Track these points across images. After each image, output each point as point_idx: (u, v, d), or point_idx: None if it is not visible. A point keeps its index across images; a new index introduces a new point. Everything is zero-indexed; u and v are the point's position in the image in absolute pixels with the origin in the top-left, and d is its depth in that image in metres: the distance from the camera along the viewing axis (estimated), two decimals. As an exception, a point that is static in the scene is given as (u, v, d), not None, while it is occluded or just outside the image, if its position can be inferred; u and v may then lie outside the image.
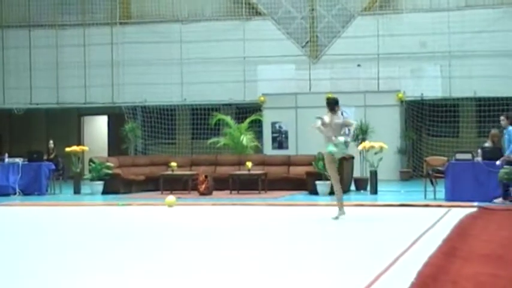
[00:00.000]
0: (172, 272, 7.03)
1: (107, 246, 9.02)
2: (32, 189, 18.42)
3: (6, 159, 18.91)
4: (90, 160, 19.28)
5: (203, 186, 17.67)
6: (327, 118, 11.99)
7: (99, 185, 18.49)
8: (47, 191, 18.73)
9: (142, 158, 22.27)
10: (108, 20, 26.04)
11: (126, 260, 7.82)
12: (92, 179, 18.62)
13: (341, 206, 11.87)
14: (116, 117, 26.04)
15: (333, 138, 11.81)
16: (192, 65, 25.23)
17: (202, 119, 25.10)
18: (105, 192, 18.33)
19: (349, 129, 12.20)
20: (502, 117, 15.32)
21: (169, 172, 18.61)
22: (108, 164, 18.97)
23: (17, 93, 26.20)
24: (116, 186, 18.48)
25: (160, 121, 25.52)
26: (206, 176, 17.84)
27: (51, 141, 22.84)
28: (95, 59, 25.88)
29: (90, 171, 18.90)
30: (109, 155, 24.32)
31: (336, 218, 11.65)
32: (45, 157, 20.33)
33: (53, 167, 19.15)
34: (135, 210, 14.41)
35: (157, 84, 25.22)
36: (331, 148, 11.81)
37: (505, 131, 15.10)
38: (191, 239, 9.65)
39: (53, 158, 21.36)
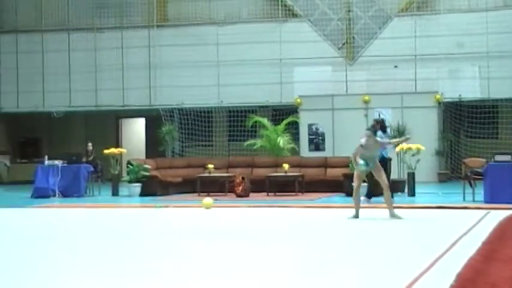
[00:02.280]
0: (210, 273, 7.06)
1: (145, 248, 9.09)
2: (71, 191, 18.61)
3: (46, 162, 19.13)
4: (128, 162, 19.44)
5: (240, 188, 17.70)
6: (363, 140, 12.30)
7: (136, 187, 18.63)
8: (85, 192, 18.91)
9: (180, 160, 22.39)
10: (145, 23, 26.23)
11: (164, 262, 7.88)
12: (130, 181, 18.76)
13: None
14: (153, 119, 26.21)
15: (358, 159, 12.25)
16: (228, 67, 25.31)
17: (238, 121, 25.16)
18: (142, 194, 18.46)
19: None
20: None
21: (206, 174, 18.68)
22: (146, 166, 19.10)
23: (56, 96, 26.51)
24: (153, 188, 18.59)
25: (197, 123, 25.63)
26: (243, 178, 17.87)
27: (89, 144, 23.07)
28: (133, 61, 26.09)
29: (128, 173, 19.05)
30: (146, 157, 24.49)
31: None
32: (84, 159, 20.54)
33: (92, 169, 19.35)
34: (172, 212, 14.49)
35: (194, 86, 25.33)
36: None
37: None
38: (228, 241, 9.68)
39: (92, 160, 21.56)
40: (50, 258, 8.35)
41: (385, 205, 12.44)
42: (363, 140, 12.29)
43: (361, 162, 12.25)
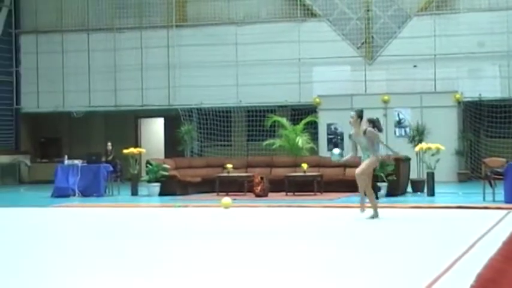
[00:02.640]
0: (227, 272, 7.07)
1: (164, 247, 9.11)
2: (90, 190, 18.69)
3: (66, 161, 19.25)
4: (147, 162, 19.50)
5: (259, 187, 17.70)
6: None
7: (155, 187, 18.69)
8: (105, 192, 18.99)
9: (199, 160, 22.43)
10: (164, 23, 26.31)
11: (182, 261, 7.89)
12: (149, 181, 18.82)
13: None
14: (172, 119, 26.27)
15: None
16: (247, 67, 25.33)
17: (257, 120, 25.15)
18: (161, 193, 18.52)
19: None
20: None
21: (225, 174, 18.70)
22: (165, 165, 19.15)
23: (76, 96, 26.66)
24: (172, 187, 18.64)
25: (216, 123, 25.67)
26: (262, 178, 17.87)
27: (109, 143, 23.16)
28: (152, 61, 26.17)
29: (147, 173, 19.11)
30: (165, 156, 24.55)
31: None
32: (103, 159, 20.64)
33: (111, 168, 19.43)
34: (192, 212, 14.53)
35: (212, 86, 25.37)
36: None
37: None
38: (246, 241, 9.68)
39: (111, 160, 21.64)
40: (69, 257, 8.39)
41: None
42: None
43: (335, 151, 12.21)
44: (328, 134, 24.12)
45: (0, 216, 14.51)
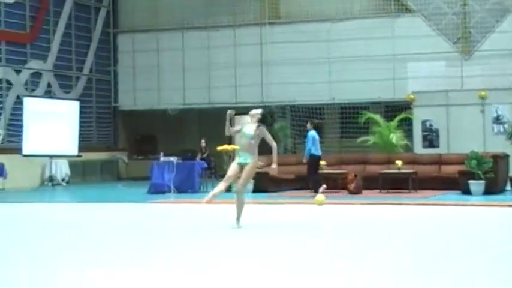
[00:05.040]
0: (323, 270, 7.06)
1: (254, 243, 9.17)
2: (185, 187, 18.99)
3: (162, 158, 19.63)
4: (241, 159, 19.58)
5: (352, 185, 17.62)
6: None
7: (249, 184, 18.76)
8: (199, 188, 19.25)
9: (292, 157, 22.43)
10: (257, 21, 26.45)
11: (277, 256, 7.93)
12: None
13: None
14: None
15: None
16: (340, 64, 25.18)
17: (350, 117, 24.99)
18: (255, 190, 18.62)
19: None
20: None
21: (318, 171, 18.63)
22: (258, 162, 19.21)
23: (171, 94, 27.13)
24: (265, 184, 18.72)
25: (308, 120, 25.53)
26: (355, 175, 17.77)
27: (203, 140, 23.43)
28: (245, 59, 26.35)
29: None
30: (259, 153, 24.61)
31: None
32: (198, 156, 20.94)
33: (206, 165, 19.69)
34: (285, 209, 14.57)
35: (305, 83, 25.35)
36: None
37: None
38: (340, 238, 9.65)
39: (206, 157, 21.91)
40: (166, 251, 8.56)
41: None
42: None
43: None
44: (423, 131, 23.70)
45: (100, 211, 14.95)
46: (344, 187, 17.83)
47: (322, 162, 18.72)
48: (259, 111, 11.42)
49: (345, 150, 24.73)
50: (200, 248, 8.88)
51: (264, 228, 11.05)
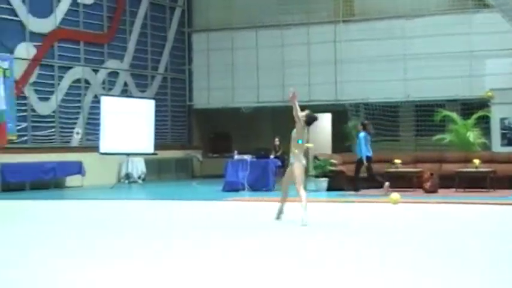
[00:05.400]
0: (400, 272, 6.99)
1: (324, 242, 9.14)
2: (259, 185, 19.06)
3: (236, 156, 19.75)
4: (315, 157, 19.61)
5: (428, 183, 17.39)
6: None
7: (323, 182, 18.78)
8: (273, 186, 19.27)
9: (366, 155, 22.26)
10: (331, 19, 26.32)
11: (351, 258, 7.89)
12: (317, 176, 18.93)
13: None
14: (339, 114, 26.26)
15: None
16: (415, 61, 24.84)
17: (426, 115, 24.62)
18: (329, 189, 18.58)
19: None
20: None
21: (393, 169, 18.49)
22: (332, 161, 19.20)
23: (244, 93, 27.25)
24: (340, 183, 18.66)
25: (383, 118, 25.37)
26: (431, 174, 17.53)
27: (276, 139, 23.47)
28: (318, 57, 26.26)
29: (314, 168, 19.22)
30: (333, 152, 24.58)
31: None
32: (271, 154, 20.99)
33: (279, 163, 19.71)
34: (359, 207, 14.48)
35: (379, 81, 25.10)
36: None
37: None
38: (417, 238, 9.53)
39: (279, 155, 21.94)
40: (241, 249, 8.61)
41: None
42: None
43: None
44: (501, 129, 23.17)
45: (176, 208, 15.14)
46: (420, 186, 17.62)
47: (397, 161, 18.59)
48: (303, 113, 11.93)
49: (420, 149, 24.40)
50: (258, 246, 8.91)
51: (332, 227, 11.00)
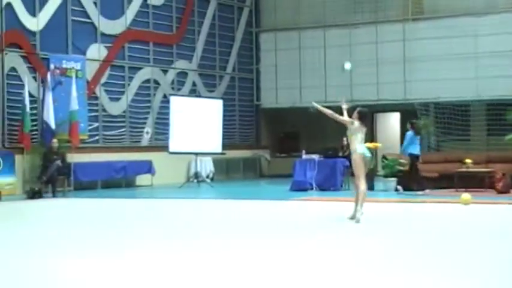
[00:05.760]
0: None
1: (396, 243, 9.05)
2: (327, 184, 19.00)
3: (304, 156, 19.74)
4: (383, 157, 19.45)
5: (500, 184, 17.06)
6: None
7: (392, 182, 18.60)
8: (341, 186, 19.21)
9: (436, 155, 22.02)
10: (400, 17, 26.03)
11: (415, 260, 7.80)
12: (385, 176, 18.77)
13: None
14: (408, 113, 25.92)
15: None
16: (487, 59, 24.34)
17: (498, 114, 24.11)
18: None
19: None
20: None
21: (464, 169, 18.21)
22: (401, 160, 19.00)
23: (312, 92, 27.12)
24: (409, 183, 18.43)
25: (453, 117, 24.96)
26: (504, 174, 17.20)
27: (344, 139, 23.23)
28: (386, 56, 25.99)
29: (383, 168, 19.06)
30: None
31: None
32: (339, 154, 20.89)
33: (347, 163, 19.55)
34: (429, 208, 14.30)
35: (450, 79, 24.69)
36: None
37: None
38: (487, 239, 9.36)
39: (347, 155, 21.78)
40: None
41: None
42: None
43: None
44: None
45: (244, 208, 15.22)
46: (491, 186, 17.29)
47: (468, 160, 18.32)
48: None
49: (492, 149, 23.91)
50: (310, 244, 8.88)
51: (397, 227, 10.89)
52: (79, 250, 8.86)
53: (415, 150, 18.18)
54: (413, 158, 18.17)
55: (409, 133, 18.34)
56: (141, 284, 6.67)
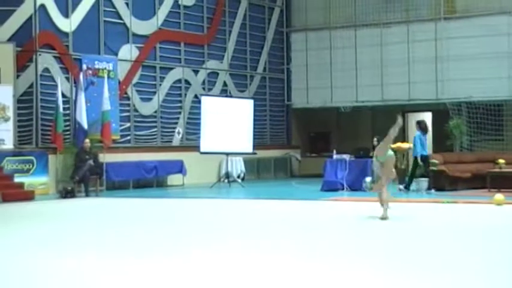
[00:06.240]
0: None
1: (423, 244, 9.00)
2: (358, 184, 18.92)
3: (335, 156, 19.69)
4: (415, 157, 19.29)
5: (534, 184, 16.87)
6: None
7: (424, 182, 18.50)
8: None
9: (468, 155, 21.84)
10: (432, 16, 25.85)
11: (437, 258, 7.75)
12: (418, 176, 18.66)
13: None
14: (440, 113, 25.76)
15: None
16: (520, 58, 24.11)
17: (533, 114, 23.88)
18: (430, 188, 18.28)
19: None
20: None
21: (497, 169, 18.06)
22: (433, 160, 18.90)
23: (343, 92, 27.08)
24: (441, 183, 18.37)
25: (486, 117, 24.73)
26: (537, 174, 17.01)
27: (375, 139, 23.04)
28: (418, 55, 25.83)
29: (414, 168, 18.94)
30: (434, 151, 24.12)
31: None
32: (371, 153, 20.75)
33: (378, 163, 19.48)
34: (461, 208, 14.19)
35: (483, 79, 24.47)
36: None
37: None
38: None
39: (378, 155, 21.69)
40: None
41: None
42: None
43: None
44: None
45: (275, 208, 15.22)
46: (525, 187, 17.11)
47: (501, 161, 18.19)
48: None
49: (526, 148, 23.67)
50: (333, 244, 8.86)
51: (426, 227, 10.82)
52: (116, 248, 8.95)
53: (425, 151, 18.56)
54: (424, 159, 18.45)
55: (418, 134, 18.53)
56: (184, 285, 6.73)
